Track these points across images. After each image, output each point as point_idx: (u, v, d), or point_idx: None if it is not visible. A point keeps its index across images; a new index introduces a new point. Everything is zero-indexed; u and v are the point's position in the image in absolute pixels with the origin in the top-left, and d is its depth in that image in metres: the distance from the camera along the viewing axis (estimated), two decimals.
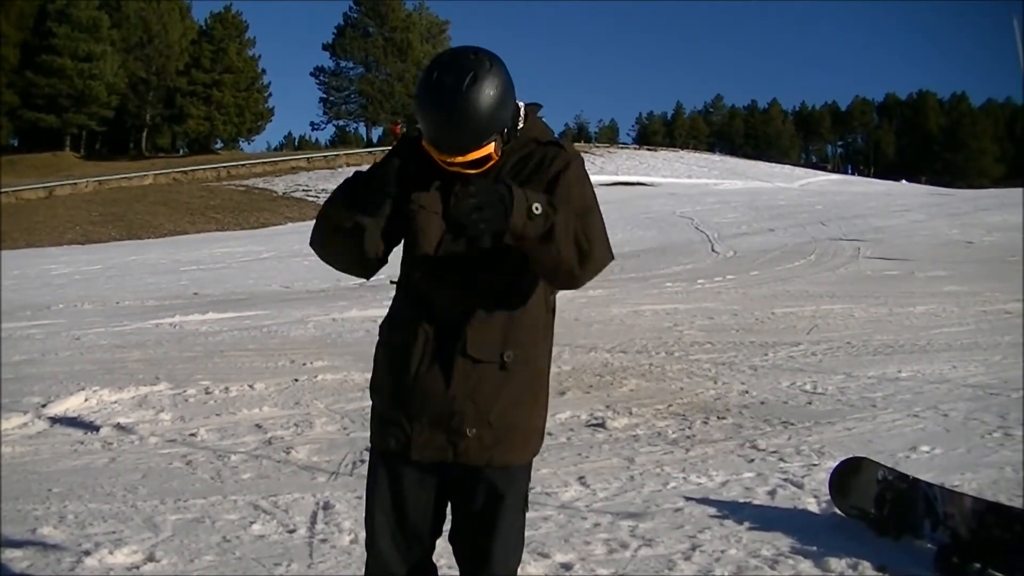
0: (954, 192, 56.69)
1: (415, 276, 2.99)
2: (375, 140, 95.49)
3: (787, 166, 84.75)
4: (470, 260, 2.88)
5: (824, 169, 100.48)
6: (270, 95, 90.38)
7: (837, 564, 4.56)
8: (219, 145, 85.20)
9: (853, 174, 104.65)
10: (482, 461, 2.95)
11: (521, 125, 2.95)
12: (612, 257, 2.91)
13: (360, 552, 4.93)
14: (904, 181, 76.11)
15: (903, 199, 45.06)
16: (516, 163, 2.93)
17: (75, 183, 54.53)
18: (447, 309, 2.91)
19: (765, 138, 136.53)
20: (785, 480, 6.07)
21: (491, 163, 2.88)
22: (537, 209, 2.67)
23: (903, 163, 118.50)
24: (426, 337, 2.92)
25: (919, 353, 10.75)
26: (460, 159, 2.83)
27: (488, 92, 2.77)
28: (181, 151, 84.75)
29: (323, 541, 5.12)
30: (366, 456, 6.85)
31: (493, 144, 2.84)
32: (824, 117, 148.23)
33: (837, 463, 5.60)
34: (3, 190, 50.38)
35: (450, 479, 3.03)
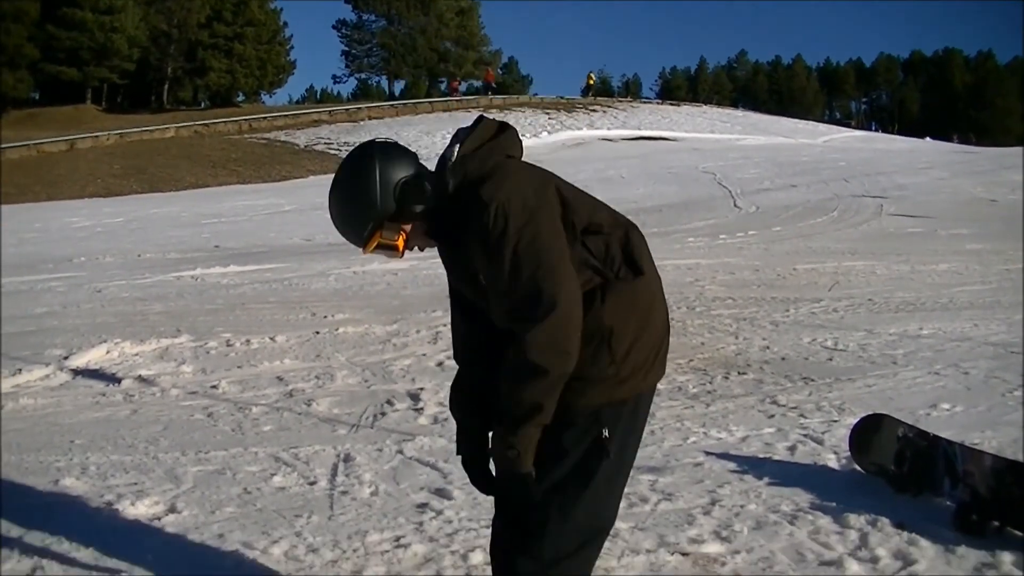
0: (978, 150, 56.22)
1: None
2: (397, 93, 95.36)
3: (810, 122, 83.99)
4: None
5: (848, 126, 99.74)
6: (292, 48, 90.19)
7: (856, 520, 4.56)
8: (241, 98, 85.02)
9: (877, 131, 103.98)
10: None
11: (453, 182, 3.00)
12: (561, 302, 2.86)
13: (381, 503, 4.96)
14: (928, 139, 75.41)
15: (927, 156, 44.70)
16: (455, 220, 2.99)
17: (96, 136, 54.50)
18: None
19: (789, 94, 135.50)
20: (805, 436, 6.07)
21: (406, 235, 3.05)
22: (511, 453, 2.91)
23: (928, 121, 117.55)
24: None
25: (941, 311, 10.69)
26: (366, 253, 3.12)
27: (344, 195, 3.04)
28: (202, 104, 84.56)
29: (344, 493, 5.15)
30: (387, 408, 6.91)
31: (383, 231, 3.02)
32: (848, 74, 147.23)
33: (857, 420, 5.58)
34: (25, 143, 50.49)
35: None
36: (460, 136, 3.07)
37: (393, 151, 3.03)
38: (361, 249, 3.09)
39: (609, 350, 2.99)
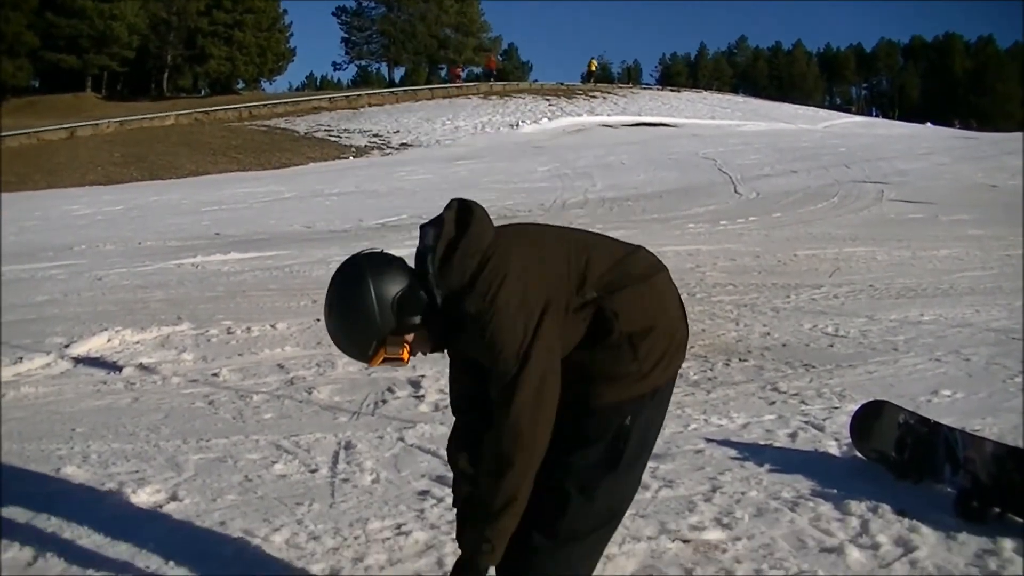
0: (979, 135, 56.08)
1: None
2: (397, 80, 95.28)
3: (811, 108, 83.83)
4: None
5: (848, 111, 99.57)
6: (291, 35, 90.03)
7: (857, 507, 4.56)
8: (240, 85, 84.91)
9: (878, 116, 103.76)
10: None
11: (440, 298, 3.03)
12: (531, 434, 2.99)
13: (382, 491, 4.97)
14: (929, 124, 75.24)
15: (927, 142, 44.61)
16: (451, 325, 3.06)
17: (96, 124, 54.34)
18: None
19: (789, 80, 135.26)
20: (806, 423, 6.07)
21: (409, 346, 3.09)
22: (486, 547, 3.07)
23: (928, 106, 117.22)
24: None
25: (942, 297, 10.69)
26: (373, 366, 3.18)
27: (344, 318, 3.04)
28: (202, 92, 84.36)
29: (345, 481, 5.16)
30: (387, 396, 6.92)
31: (387, 346, 3.05)
32: (849, 59, 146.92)
33: (858, 406, 5.59)
34: (25, 131, 50.44)
35: None
36: (428, 237, 3.07)
37: (382, 265, 3.05)
38: (366, 365, 3.16)
39: (632, 348, 3.09)
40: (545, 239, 3.22)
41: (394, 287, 2.98)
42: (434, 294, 3.00)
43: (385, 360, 3.07)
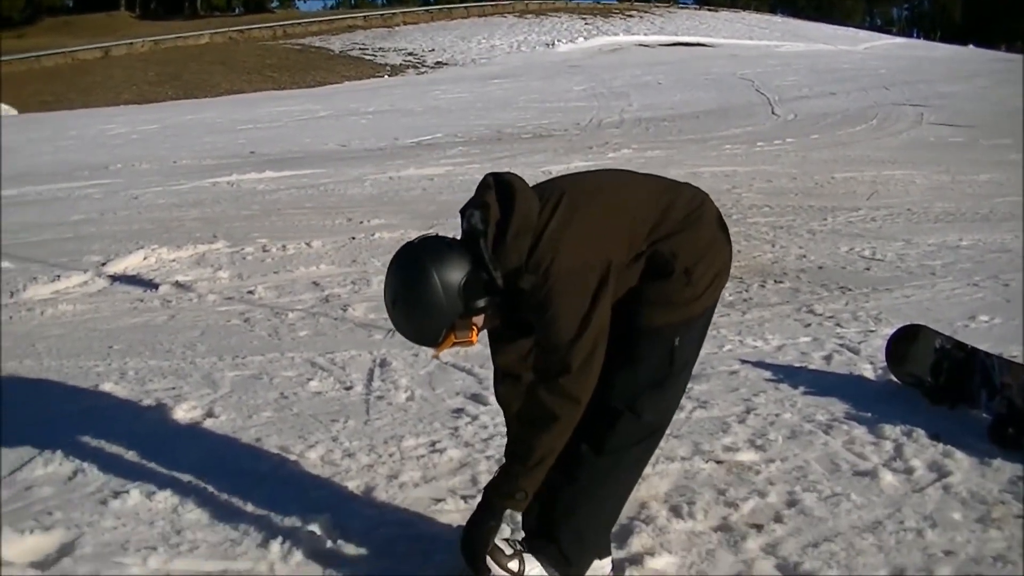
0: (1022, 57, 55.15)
1: None
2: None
3: (850, 29, 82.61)
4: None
5: (889, 32, 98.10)
6: None
7: (891, 431, 4.54)
8: (275, 4, 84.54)
9: (919, 38, 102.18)
10: None
11: (501, 280, 3.01)
12: (582, 388, 3.02)
13: (416, 408, 4.99)
14: (971, 46, 73.99)
15: (969, 64, 43.94)
16: (513, 302, 3.08)
17: (131, 43, 54.44)
18: None
19: (828, 0, 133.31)
20: (841, 346, 6.04)
21: (477, 328, 3.10)
22: (520, 496, 3.11)
23: (970, 27, 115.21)
24: None
25: (981, 221, 10.56)
26: (443, 350, 3.15)
27: (412, 310, 3.02)
28: (237, 10, 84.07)
29: (379, 398, 5.18)
30: None
31: (456, 331, 3.05)
32: None
33: (894, 330, 5.54)
34: (60, 51, 50.53)
35: None
36: (475, 219, 3.04)
37: (442, 252, 3.00)
38: (434, 351, 3.15)
39: (687, 276, 3.10)
40: (597, 196, 3.18)
41: (457, 273, 2.96)
42: (494, 276, 2.98)
43: (455, 344, 3.07)
